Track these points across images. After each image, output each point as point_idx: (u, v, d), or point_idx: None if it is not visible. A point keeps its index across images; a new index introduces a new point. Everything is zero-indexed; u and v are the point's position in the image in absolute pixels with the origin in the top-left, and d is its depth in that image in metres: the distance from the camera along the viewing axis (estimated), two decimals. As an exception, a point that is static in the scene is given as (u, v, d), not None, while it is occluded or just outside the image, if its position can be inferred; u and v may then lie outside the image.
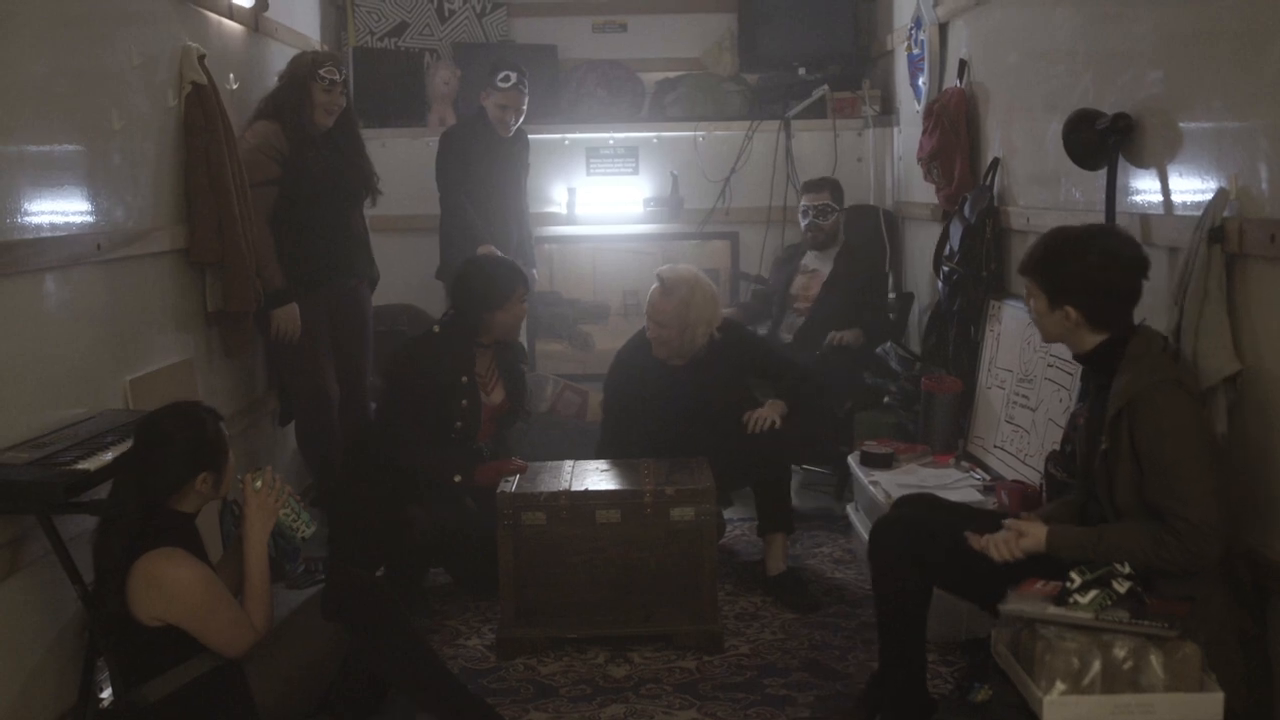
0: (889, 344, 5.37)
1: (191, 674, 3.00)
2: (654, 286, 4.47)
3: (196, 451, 3.06)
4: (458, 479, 4.16)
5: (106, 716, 3.24)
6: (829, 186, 5.84)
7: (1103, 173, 3.62)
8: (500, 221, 5.75)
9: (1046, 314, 2.96)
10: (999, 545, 2.87)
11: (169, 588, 2.94)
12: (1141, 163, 3.51)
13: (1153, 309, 3.41)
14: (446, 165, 5.71)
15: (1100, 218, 3.60)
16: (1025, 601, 2.61)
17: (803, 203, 5.84)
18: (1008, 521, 2.96)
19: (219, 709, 3.01)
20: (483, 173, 5.71)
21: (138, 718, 2.99)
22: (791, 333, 5.71)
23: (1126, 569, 2.57)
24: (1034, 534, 2.86)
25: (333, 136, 4.94)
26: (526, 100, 5.73)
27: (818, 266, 5.79)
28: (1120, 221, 3.53)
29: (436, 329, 4.41)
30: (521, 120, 5.77)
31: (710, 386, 4.46)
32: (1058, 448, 3.46)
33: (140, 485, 3.01)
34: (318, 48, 6.15)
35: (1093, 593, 2.52)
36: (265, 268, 4.64)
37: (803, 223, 5.83)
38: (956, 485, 4.21)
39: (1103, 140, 3.56)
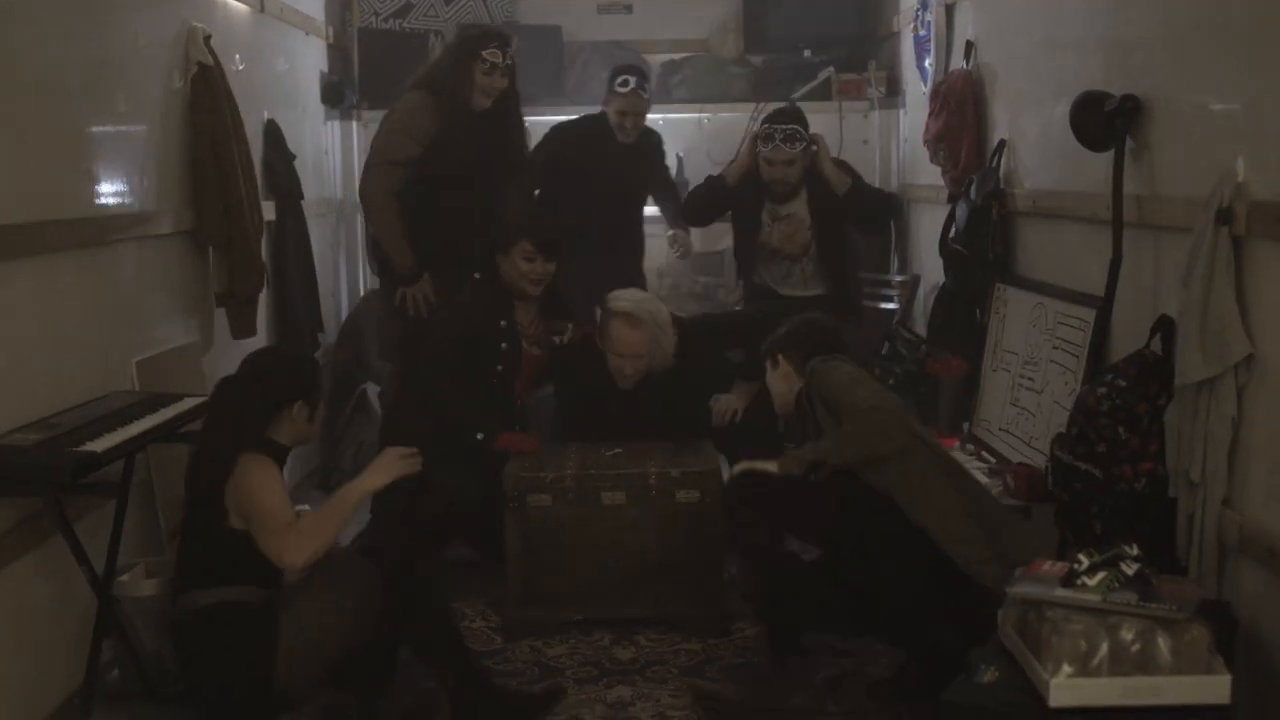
0: (895, 326, 5.36)
1: (234, 596, 3.15)
2: (613, 320, 4.44)
3: (293, 380, 3.35)
4: (480, 436, 4.14)
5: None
6: (797, 118, 5.19)
7: (1109, 155, 3.61)
8: (599, 228, 5.35)
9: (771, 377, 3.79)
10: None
11: (251, 483, 3.15)
12: (1149, 145, 3.49)
13: (1159, 291, 3.43)
14: (535, 154, 5.49)
15: (1107, 199, 3.60)
16: (1033, 583, 2.60)
17: (769, 151, 5.10)
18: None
19: (244, 638, 3.12)
20: (585, 175, 5.44)
21: (177, 623, 3.20)
22: (789, 281, 5.35)
23: (1134, 551, 2.57)
24: (766, 461, 3.58)
25: (489, 119, 4.81)
26: (648, 104, 5.50)
27: (793, 210, 5.18)
28: (1127, 204, 3.52)
29: (478, 275, 4.42)
30: (642, 123, 5.51)
31: (664, 403, 4.47)
32: (1063, 430, 3.46)
33: (240, 411, 3.26)
34: (322, 29, 6.15)
35: (1100, 574, 2.52)
36: (391, 246, 4.65)
37: (765, 173, 5.15)
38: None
39: (1110, 122, 3.54)
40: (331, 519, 3.25)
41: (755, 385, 4.32)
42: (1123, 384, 3.24)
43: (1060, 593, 2.53)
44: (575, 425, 4.55)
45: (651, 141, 5.72)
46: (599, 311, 4.53)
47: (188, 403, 3.58)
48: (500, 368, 4.30)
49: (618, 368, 4.44)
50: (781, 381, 3.80)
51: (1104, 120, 3.56)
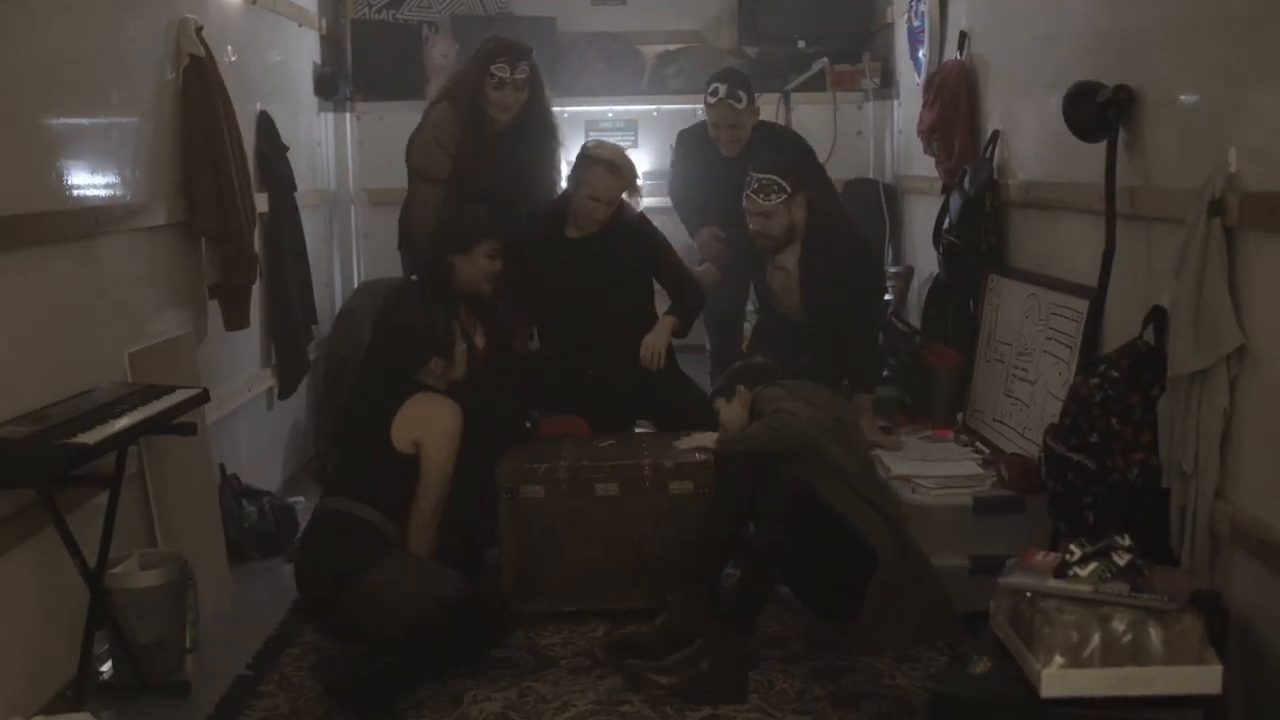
0: (889, 317, 5.36)
1: (362, 514, 3.63)
2: (595, 166, 4.51)
3: (427, 341, 3.82)
4: (529, 424, 4.30)
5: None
6: (777, 169, 4.58)
7: (1103, 145, 3.60)
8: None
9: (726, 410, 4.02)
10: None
11: (435, 415, 3.74)
12: (1142, 135, 3.49)
13: (1152, 282, 3.43)
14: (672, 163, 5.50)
15: (1100, 190, 3.60)
16: (1024, 574, 2.61)
17: (745, 203, 4.64)
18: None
19: (351, 548, 3.57)
20: (706, 187, 5.27)
21: (320, 513, 3.77)
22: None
23: (1126, 541, 2.57)
24: (707, 435, 4.03)
25: (509, 137, 4.68)
26: (743, 114, 5.10)
27: (788, 264, 4.65)
28: (1120, 195, 3.53)
29: (414, 277, 4.41)
30: (745, 137, 5.12)
31: (611, 261, 4.58)
32: (1056, 421, 3.46)
33: (382, 370, 3.86)
34: (315, 20, 6.14)
35: (1092, 565, 2.52)
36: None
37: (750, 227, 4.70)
38: (957, 460, 4.21)
39: (1103, 113, 3.54)
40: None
41: (676, 323, 4.57)
42: (1115, 375, 3.24)
43: (1052, 583, 2.54)
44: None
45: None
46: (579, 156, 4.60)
47: (181, 394, 3.58)
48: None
49: (589, 210, 4.53)
50: (740, 409, 4.00)
51: (1097, 111, 3.56)
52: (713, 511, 3.78)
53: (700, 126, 5.33)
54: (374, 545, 3.59)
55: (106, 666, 3.56)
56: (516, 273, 4.46)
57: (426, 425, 3.73)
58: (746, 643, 3.54)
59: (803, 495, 3.56)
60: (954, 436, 4.53)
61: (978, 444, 4.44)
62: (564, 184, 4.79)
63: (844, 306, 4.49)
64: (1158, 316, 3.27)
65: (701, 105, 6.03)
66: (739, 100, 5.07)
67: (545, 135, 4.80)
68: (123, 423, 3.20)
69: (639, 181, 4.69)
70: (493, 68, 4.59)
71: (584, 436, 4.29)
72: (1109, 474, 3.20)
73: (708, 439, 4.03)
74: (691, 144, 5.39)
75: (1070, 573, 2.53)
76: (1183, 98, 3.28)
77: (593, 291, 4.54)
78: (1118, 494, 3.19)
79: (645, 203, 6.34)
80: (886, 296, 5.45)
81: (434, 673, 3.53)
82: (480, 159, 4.61)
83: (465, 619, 3.56)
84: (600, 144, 4.71)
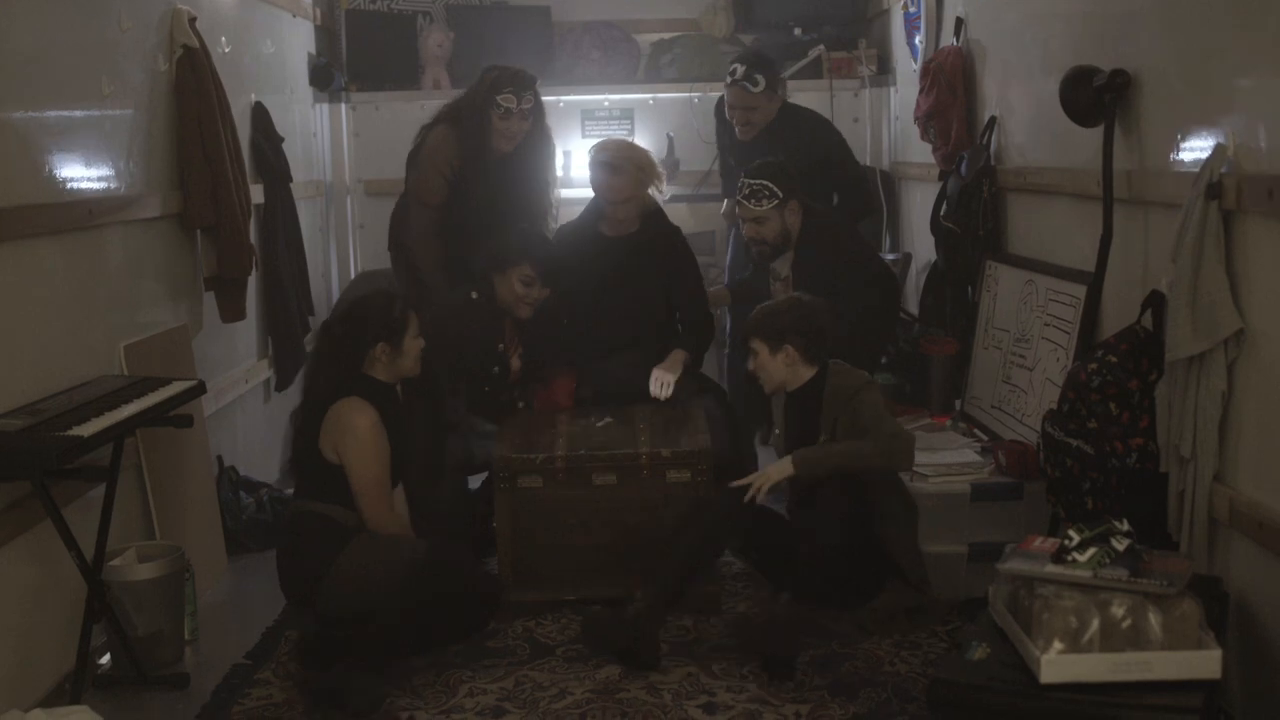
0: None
1: (321, 509, 3.63)
2: (597, 172, 4.48)
3: (374, 324, 3.69)
4: (521, 404, 4.32)
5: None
6: (768, 173, 4.49)
7: (1099, 130, 3.60)
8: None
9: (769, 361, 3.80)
10: (749, 480, 3.69)
11: (348, 427, 3.60)
12: (1139, 119, 3.48)
13: (1150, 267, 3.42)
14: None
15: (1097, 175, 3.59)
16: (1023, 559, 2.61)
17: (737, 209, 4.64)
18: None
19: (316, 546, 3.58)
20: (737, 157, 5.24)
21: (288, 517, 3.81)
22: None
23: (1125, 526, 2.57)
24: (779, 465, 3.70)
25: (509, 164, 4.65)
26: (760, 97, 4.99)
27: (783, 272, 4.63)
28: (1117, 179, 3.51)
29: (474, 295, 4.38)
30: (761, 121, 5.02)
31: (640, 265, 4.53)
32: (1055, 407, 3.45)
33: (333, 351, 3.76)
34: (309, 11, 6.11)
35: (1091, 550, 2.52)
36: (434, 284, 4.62)
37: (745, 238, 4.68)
38: (955, 447, 4.20)
39: (1100, 97, 3.53)
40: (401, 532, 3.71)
41: (688, 358, 4.45)
42: (1114, 360, 3.24)
43: (1051, 569, 2.54)
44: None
45: (791, 137, 5.02)
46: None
47: (177, 386, 3.58)
48: (486, 389, 4.35)
49: (611, 215, 4.52)
50: (783, 369, 3.82)
51: (1093, 95, 3.55)
52: (718, 523, 3.74)
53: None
54: (339, 537, 3.58)
55: (105, 659, 3.55)
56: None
57: (341, 436, 3.60)
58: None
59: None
60: (951, 424, 4.52)
61: (976, 431, 4.43)
62: (554, 205, 4.88)
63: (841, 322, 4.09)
64: (1155, 301, 3.27)
65: (694, 93, 6.07)
66: (755, 84, 4.98)
67: (542, 161, 4.77)
68: (118, 415, 3.19)
69: (658, 171, 4.60)
70: (499, 98, 4.54)
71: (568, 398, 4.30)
72: (1107, 459, 3.19)
73: (778, 469, 3.73)
74: (721, 114, 5.35)
75: (1069, 558, 2.53)
76: (1179, 81, 3.26)
77: (613, 292, 4.48)
78: (1116, 479, 3.19)
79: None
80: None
81: (412, 646, 3.55)
82: (477, 183, 4.58)
83: (441, 587, 3.55)
84: (601, 145, 4.65)
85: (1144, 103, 3.45)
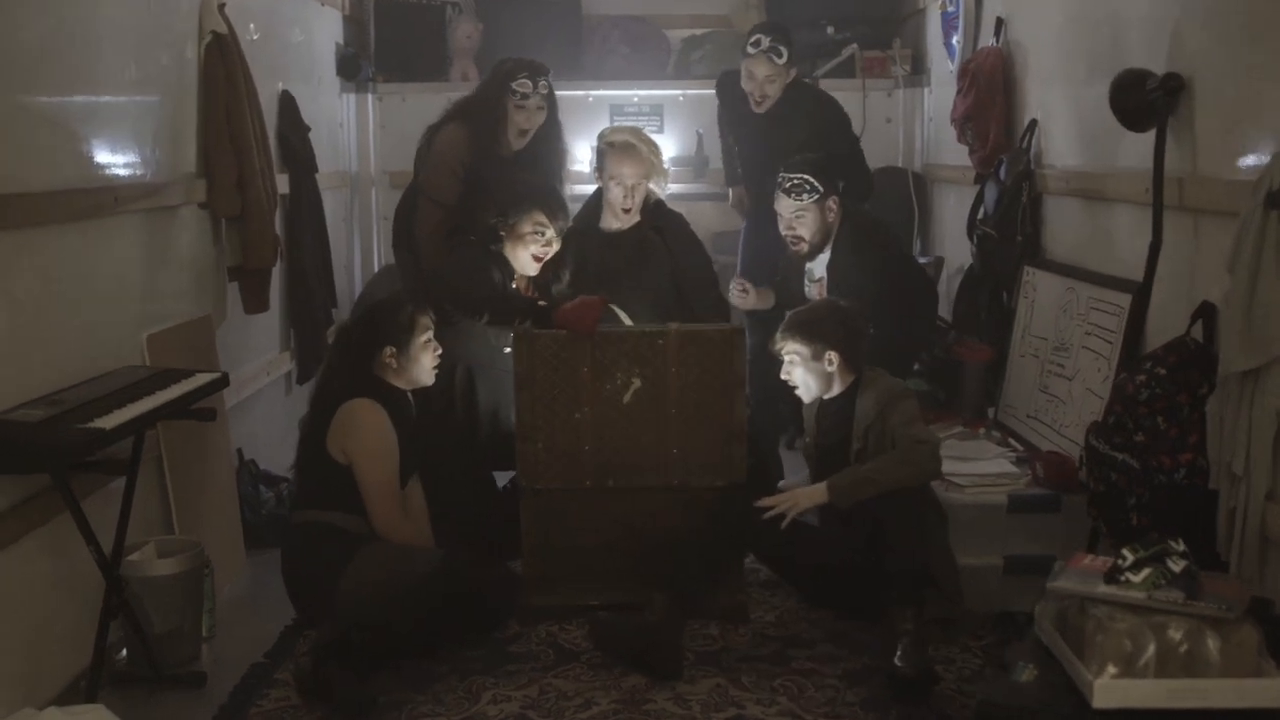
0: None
1: (327, 519, 3.59)
2: (609, 153, 4.39)
3: (382, 327, 3.69)
4: (542, 303, 4.01)
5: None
6: (808, 167, 4.40)
7: (1146, 135, 3.50)
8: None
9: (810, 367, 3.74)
10: (778, 502, 3.60)
11: (356, 426, 3.59)
12: (1192, 124, 3.38)
13: (1199, 276, 3.32)
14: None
15: (1145, 181, 3.50)
16: (1074, 578, 2.52)
17: (775, 204, 4.52)
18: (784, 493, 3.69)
19: (325, 558, 3.54)
20: (740, 137, 5.28)
21: (286, 529, 3.77)
22: None
23: (1180, 547, 2.48)
24: (812, 491, 3.62)
25: (523, 161, 4.52)
26: (783, 69, 4.87)
27: (819, 273, 4.56)
28: (1167, 186, 3.42)
29: (473, 238, 4.25)
30: (777, 94, 4.91)
31: (647, 259, 4.43)
32: (1099, 419, 3.36)
33: (344, 354, 3.75)
34: (339, 1, 6.05)
35: (1145, 571, 2.43)
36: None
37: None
38: (990, 456, 4.11)
39: (1152, 101, 3.44)
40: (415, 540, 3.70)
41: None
42: (1163, 372, 3.15)
43: (1103, 589, 2.45)
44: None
45: (801, 110, 4.98)
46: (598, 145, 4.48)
47: (200, 378, 3.50)
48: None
49: (616, 197, 4.40)
50: (824, 379, 3.77)
51: (1145, 99, 3.45)
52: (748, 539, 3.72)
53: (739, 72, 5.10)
54: (346, 547, 3.55)
55: (121, 654, 3.48)
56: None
57: (350, 435, 3.60)
58: None
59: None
60: (984, 433, 4.43)
61: (1010, 441, 4.33)
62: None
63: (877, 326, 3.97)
64: (1206, 312, 3.18)
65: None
66: (779, 55, 4.87)
67: (555, 159, 4.65)
68: (140, 407, 3.11)
69: (664, 164, 4.56)
70: (514, 84, 4.42)
71: (589, 323, 3.81)
72: (1154, 474, 3.10)
73: (809, 494, 3.64)
74: (728, 87, 5.24)
75: (1123, 578, 2.44)
76: (1235, 85, 3.17)
77: (621, 287, 4.29)
78: (1163, 495, 3.10)
79: (670, 188, 6.29)
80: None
81: (422, 650, 3.48)
82: (485, 193, 4.39)
83: (456, 595, 3.51)
84: (615, 128, 4.60)
85: (1197, 107, 3.36)
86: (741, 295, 4.60)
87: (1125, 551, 2.49)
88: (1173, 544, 2.49)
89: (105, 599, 3.21)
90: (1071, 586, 2.50)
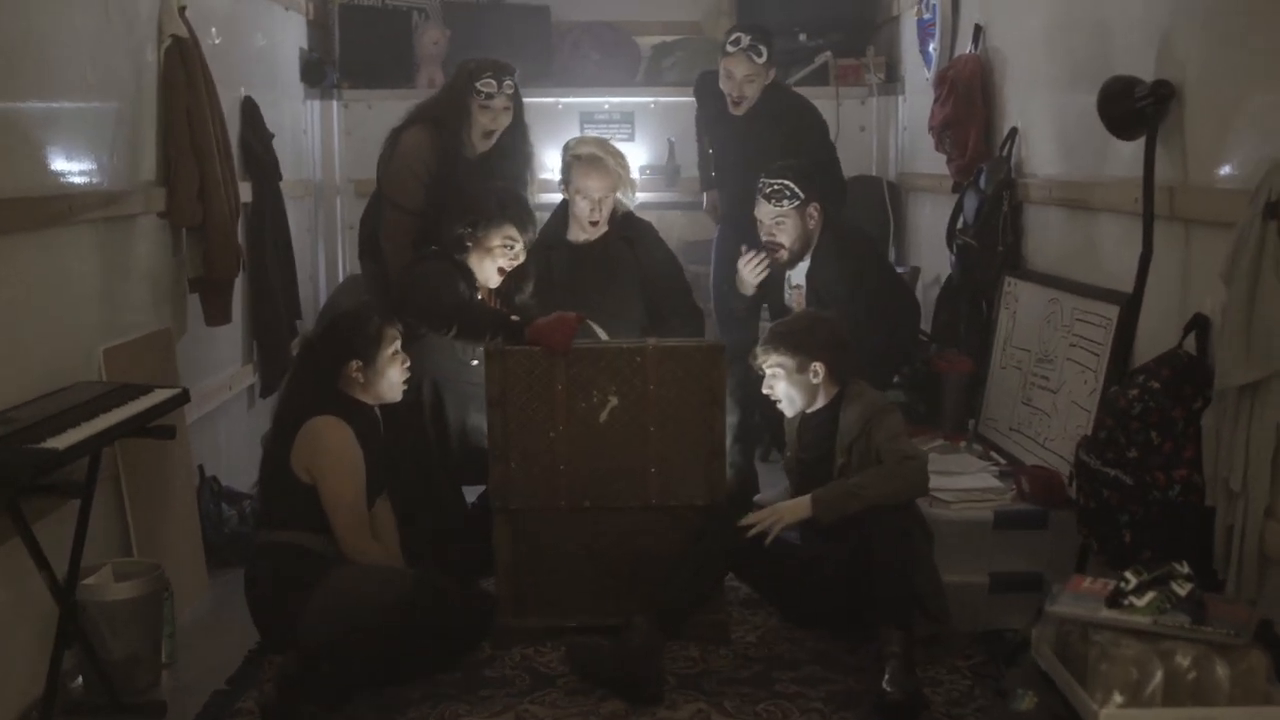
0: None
1: (291, 539, 3.45)
2: (574, 165, 4.27)
3: (347, 340, 3.56)
4: (515, 318, 3.84)
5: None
6: (789, 173, 4.32)
7: (1133, 143, 3.43)
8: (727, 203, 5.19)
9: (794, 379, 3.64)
10: (761, 519, 3.47)
11: (321, 444, 3.45)
12: (1183, 132, 3.30)
13: (1190, 288, 3.25)
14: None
15: (1132, 189, 3.42)
16: (1074, 602, 2.43)
17: (755, 210, 4.43)
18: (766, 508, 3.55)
19: (292, 581, 3.38)
20: (716, 139, 5.24)
21: (250, 551, 3.63)
22: None
23: (1185, 569, 2.39)
24: (795, 504, 3.49)
25: (489, 164, 4.42)
26: (762, 69, 4.82)
27: (798, 280, 4.53)
28: (1159, 195, 3.34)
29: (435, 248, 4.14)
30: (755, 96, 4.86)
31: (615, 271, 4.33)
32: (1089, 434, 3.28)
33: (307, 368, 3.63)
34: (302, 4, 5.92)
35: (1150, 594, 2.34)
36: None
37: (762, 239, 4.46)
38: (973, 471, 4.02)
39: (1141, 109, 3.36)
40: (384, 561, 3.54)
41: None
42: (1155, 386, 3.06)
43: (1106, 614, 2.36)
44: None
45: (787, 114, 4.95)
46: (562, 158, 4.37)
47: (159, 394, 3.37)
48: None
49: (583, 211, 4.29)
50: (808, 392, 3.69)
51: (1134, 107, 3.37)
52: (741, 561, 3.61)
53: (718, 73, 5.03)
54: (313, 568, 3.41)
55: (76, 684, 3.33)
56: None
57: (314, 453, 3.46)
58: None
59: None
60: (965, 446, 4.34)
61: (993, 454, 4.25)
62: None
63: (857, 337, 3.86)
64: (1199, 324, 3.10)
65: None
66: (759, 54, 4.81)
67: (520, 162, 4.53)
68: (96, 426, 2.97)
69: (632, 175, 4.46)
70: (478, 84, 4.31)
71: (564, 340, 3.64)
72: (1148, 491, 3.01)
73: (792, 509, 3.51)
74: (707, 87, 5.17)
75: (1126, 602, 2.35)
76: (1228, 92, 3.09)
77: (591, 301, 4.14)
78: (1157, 512, 3.01)
79: (641, 197, 6.18)
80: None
81: (392, 677, 3.37)
82: (455, 184, 4.31)
83: (427, 618, 3.38)
84: (581, 140, 4.50)
85: (1188, 115, 3.28)
86: (754, 262, 4.42)
87: (1128, 574, 2.41)
88: (1176, 566, 2.41)
89: (59, 626, 3.07)
90: (1072, 611, 2.41)
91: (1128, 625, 2.32)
